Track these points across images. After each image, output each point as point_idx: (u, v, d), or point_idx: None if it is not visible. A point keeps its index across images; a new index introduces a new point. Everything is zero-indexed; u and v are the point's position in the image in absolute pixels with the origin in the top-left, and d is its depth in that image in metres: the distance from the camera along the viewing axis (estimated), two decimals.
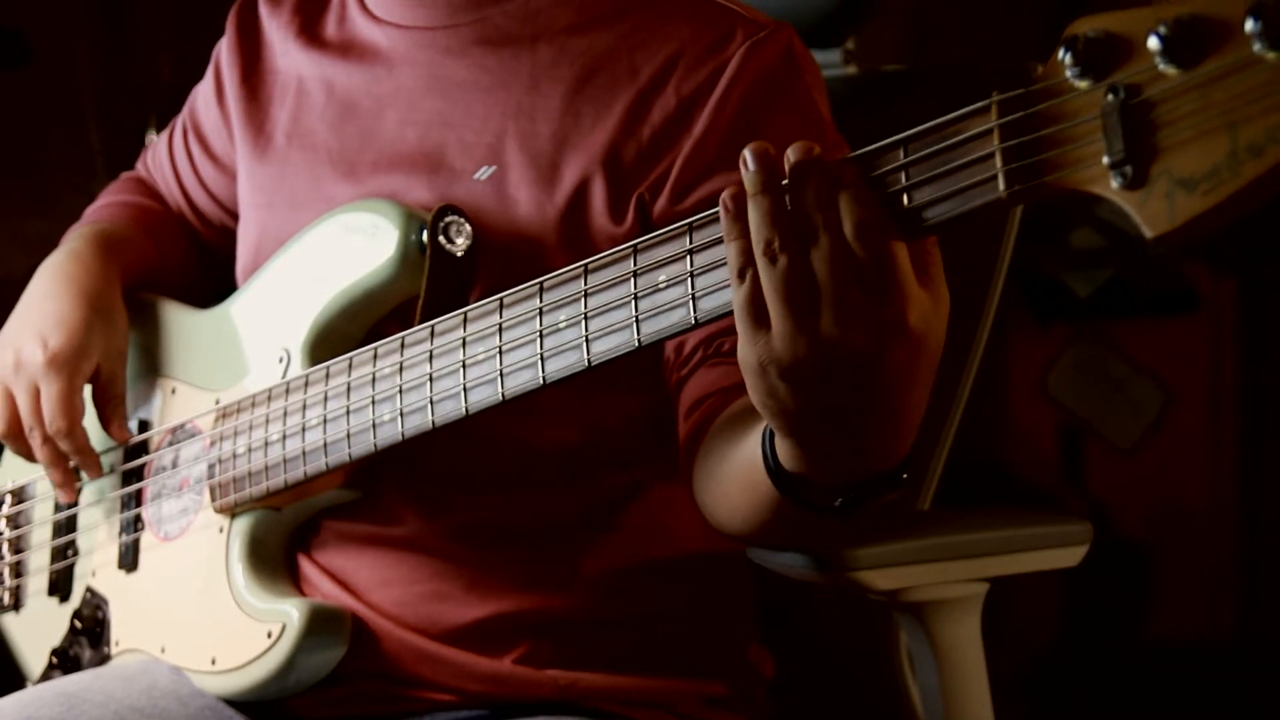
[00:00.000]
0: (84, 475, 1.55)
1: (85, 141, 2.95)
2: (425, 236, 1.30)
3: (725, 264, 0.99)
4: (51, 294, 1.49)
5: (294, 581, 1.40)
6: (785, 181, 0.95)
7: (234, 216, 1.59)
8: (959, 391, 1.59)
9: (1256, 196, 0.80)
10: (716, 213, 1.00)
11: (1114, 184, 0.84)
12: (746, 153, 0.95)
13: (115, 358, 1.48)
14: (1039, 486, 3.35)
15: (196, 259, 1.64)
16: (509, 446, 1.35)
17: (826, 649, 1.68)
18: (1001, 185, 0.88)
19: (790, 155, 0.95)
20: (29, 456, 1.49)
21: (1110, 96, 0.83)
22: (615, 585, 1.37)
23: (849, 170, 0.94)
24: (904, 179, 0.93)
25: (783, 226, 0.94)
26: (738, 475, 1.15)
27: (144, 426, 1.53)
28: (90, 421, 1.49)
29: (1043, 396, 3.38)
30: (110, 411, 1.48)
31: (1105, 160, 0.84)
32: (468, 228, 1.30)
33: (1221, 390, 3.38)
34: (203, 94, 1.61)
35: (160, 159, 1.67)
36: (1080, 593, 3.31)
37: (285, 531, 1.41)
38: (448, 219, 1.30)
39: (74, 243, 1.55)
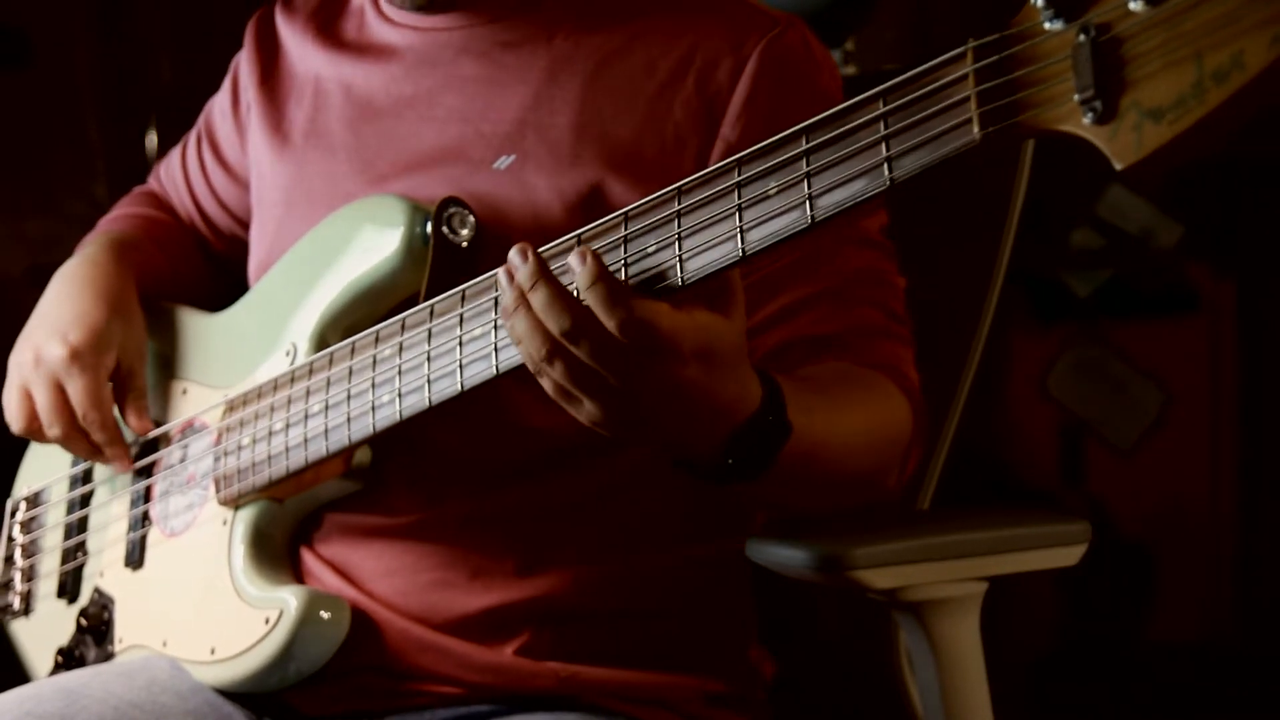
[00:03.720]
0: (95, 476, 1.56)
1: (85, 141, 2.95)
2: (429, 228, 1.31)
3: (710, 226, 1.06)
4: (69, 296, 1.50)
5: (295, 573, 1.41)
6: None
7: (244, 226, 1.61)
8: (959, 391, 1.59)
9: (1221, 125, 0.82)
10: (706, 175, 1.06)
11: (1085, 119, 0.86)
12: (500, 275, 1.08)
13: (135, 352, 1.50)
14: (1039, 486, 3.35)
15: (206, 270, 1.66)
16: (513, 435, 1.36)
17: (826, 649, 1.68)
18: (976, 128, 0.91)
19: (519, 276, 1.06)
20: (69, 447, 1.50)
21: (1082, 36, 0.86)
22: (616, 578, 1.38)
23: (591, 273, 1.04)
24: (883, 128, 0.96)
25: (541, 341, 1.06)
26: None
27: (155, 426, 1.53)
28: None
29: (1043, 396, 3.38)
30: (130, 404, 1.49)
31: (1076, 97, 0.86)
32: (471, 219, 1.31)
33: (1221, 390, 3.38)
34: (218, 105, 1.63)
35: (173, 167, 1.69)
36: (1080, 593, 3.31)
37: (288, 524, 1.42)
38: (451, 210, 1.31)
39: (88, 249, 1.57)
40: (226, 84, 1.62)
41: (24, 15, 2.75)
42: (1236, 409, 3.38)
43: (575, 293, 1.06)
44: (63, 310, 1.49)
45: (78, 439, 1.48)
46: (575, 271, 1.05)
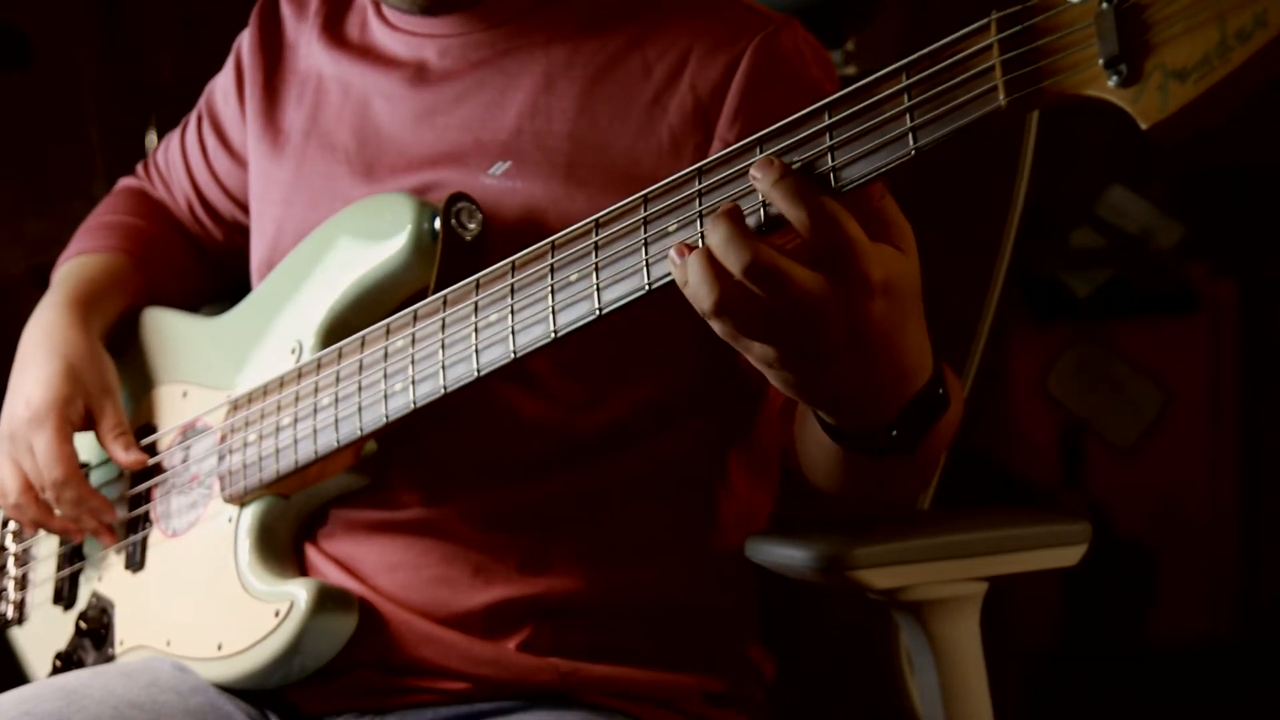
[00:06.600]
0: (91, 480, 1.56)
1: (85, 141, 2.95)
2: (438, 223, 1.31)
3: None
4: (27, 367, 1.52)
5: (301, 569, 1.41)
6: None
7: (246, 211, 1.60)
8: None
9: (1245, 82, 0.83)
10: (727, 154, 1.04)
11: (1110, 83, 0.88)
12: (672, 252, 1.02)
13: (103, 394, 1.50)
14: (1039, 486, 3.35)
15: (197, 269, 1.65)
16: (519, 434, 1.36)
17: (826, 649, 1.68)
18: (1001, 95, 0.92)
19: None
20: (42, 524, 1.51)
21: (1105, 4, 0.87)
22: (618, 576, 1.38)
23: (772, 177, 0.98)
24: (906, 99, 0.96)
25: (714, 284, 0.99)
26: (814, 444, 1.23)
27: (153, 431, 1.53)
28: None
29: (1043, 396, 3.38)
30: (107, 439, 1.49)
31: (1101, 61, 0.88)
32: (479, 214, 1.32)
33: (1221, 390, 3.39)
34: (221, 86, 1.62)
35: (172, 151, 1.68)
36: (1080, 592, 3.31)
37: (294, 519, 1.42)
38: (459, 205, 1.32)
39: (52, 310, 1.56)
40: (229, 66, 1.61)
41: (24, 15, 2.75)
42: (1236, 409, 3.38)
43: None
44: (25, 381, 1.51)
45: (45, 508, 1.49)
46: (757, 177, 1.00)
